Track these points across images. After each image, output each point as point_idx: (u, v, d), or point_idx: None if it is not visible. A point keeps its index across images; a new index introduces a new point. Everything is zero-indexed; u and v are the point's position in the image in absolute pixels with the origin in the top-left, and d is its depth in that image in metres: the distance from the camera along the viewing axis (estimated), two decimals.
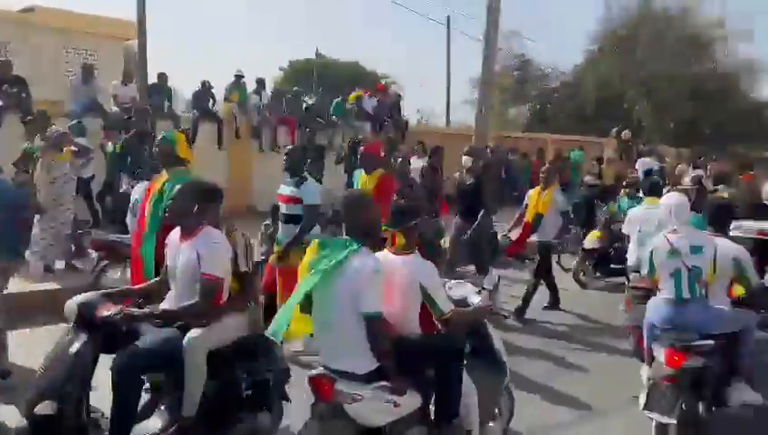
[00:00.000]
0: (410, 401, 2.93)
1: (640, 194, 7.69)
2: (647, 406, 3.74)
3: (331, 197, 7.16)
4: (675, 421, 3.59)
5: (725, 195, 7.79)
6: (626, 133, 15.93)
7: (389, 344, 2.83)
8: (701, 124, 28.11)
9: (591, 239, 8.25)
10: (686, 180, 9.64)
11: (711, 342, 3.78)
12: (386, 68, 50.09)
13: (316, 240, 3.02)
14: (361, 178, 5.92)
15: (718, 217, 4.38)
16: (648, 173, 10.37)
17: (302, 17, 65.24)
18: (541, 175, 7.08)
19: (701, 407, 3.95)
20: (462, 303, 3.41)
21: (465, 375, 3.07)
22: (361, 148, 6.66)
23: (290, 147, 5.88)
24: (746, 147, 31.75)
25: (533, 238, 7.02)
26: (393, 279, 3.00)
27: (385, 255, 3.15)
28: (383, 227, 3.17)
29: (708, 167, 11.74)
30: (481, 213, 6.68)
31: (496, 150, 14.56)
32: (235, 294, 3.42)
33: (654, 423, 3.72)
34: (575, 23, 43.72)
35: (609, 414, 4.42)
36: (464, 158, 7.16)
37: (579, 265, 8.39)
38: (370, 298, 2.75)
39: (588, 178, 11.07)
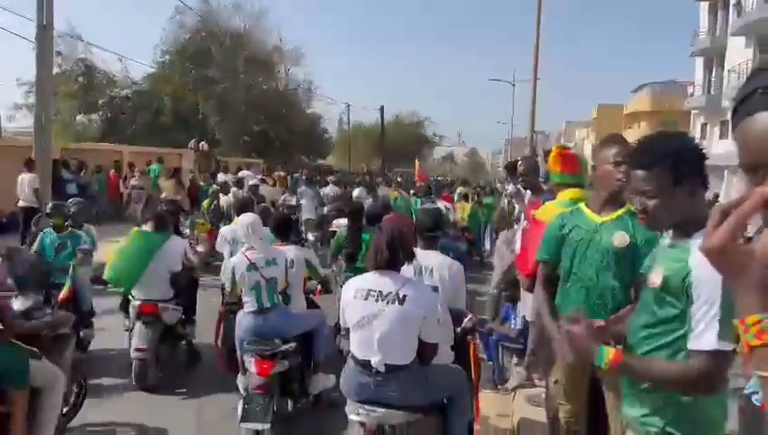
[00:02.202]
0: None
1: None
2: (243, 418, 3.76)
3: None
4: (269, 425, 3.71)
5: None
6: (203, 145, 16.24)
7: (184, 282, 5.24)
8: (271, 137, 30.97)
9: None
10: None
11: (292, 344, 4.07)
12: None
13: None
14: None
15: (281, 229, 4.77)
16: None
17: None
18: None
19: (290, 404, 4.29)
20: None
21: None
22: None
23: None
24: (308, 157, 36.70)
25: None
26: None
27: None
28: None
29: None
30: None
31: None
32: None
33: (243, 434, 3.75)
34: (141, 31, 42.34)
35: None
36: None
37: None
38: (178, 262, 5.17)
39: (165, 195, 10.71)
